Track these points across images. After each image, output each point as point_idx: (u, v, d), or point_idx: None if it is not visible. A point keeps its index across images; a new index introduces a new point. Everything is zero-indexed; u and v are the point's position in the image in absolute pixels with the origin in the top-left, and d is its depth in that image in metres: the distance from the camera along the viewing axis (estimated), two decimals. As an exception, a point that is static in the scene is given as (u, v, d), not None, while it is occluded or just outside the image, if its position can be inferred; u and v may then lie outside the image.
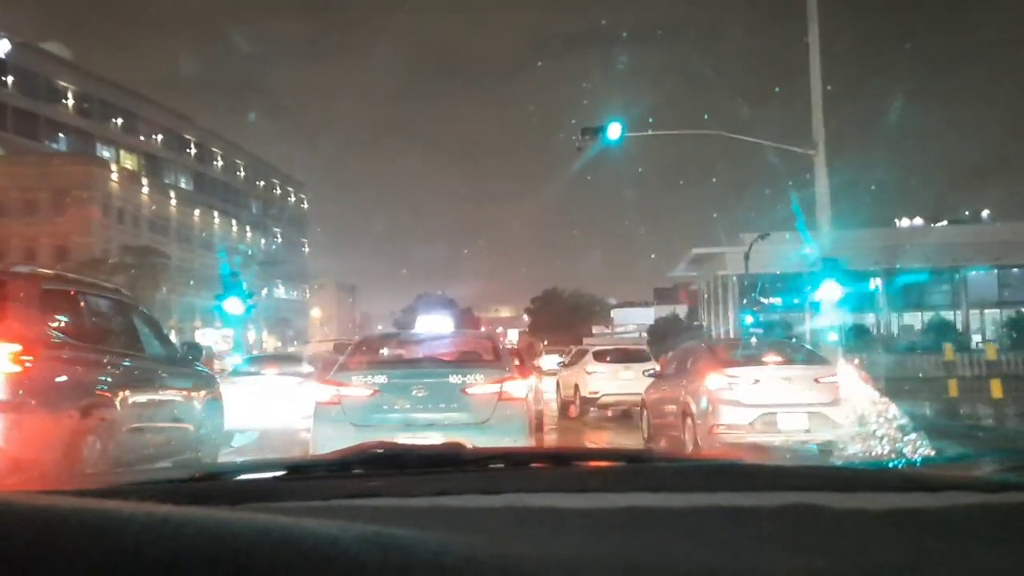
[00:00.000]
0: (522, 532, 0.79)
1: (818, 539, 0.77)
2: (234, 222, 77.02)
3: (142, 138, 65.17)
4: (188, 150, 71.67)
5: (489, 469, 1.22)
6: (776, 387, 9.06)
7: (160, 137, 67.18)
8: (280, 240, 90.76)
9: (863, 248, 30.95)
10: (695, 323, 49.48)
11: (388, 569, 0.57)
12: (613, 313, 66.10)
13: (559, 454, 1.42)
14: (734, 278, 40.22)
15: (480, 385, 6.65)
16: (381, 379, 6.74)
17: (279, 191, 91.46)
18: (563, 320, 63.55)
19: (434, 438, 5.94)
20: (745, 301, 40.17)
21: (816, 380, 9.20)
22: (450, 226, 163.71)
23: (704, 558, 0.71)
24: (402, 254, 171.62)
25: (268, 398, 11.22)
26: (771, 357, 9.76)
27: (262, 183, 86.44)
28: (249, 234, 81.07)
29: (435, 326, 9.48)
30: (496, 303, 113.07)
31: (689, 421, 9.43)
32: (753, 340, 15.08)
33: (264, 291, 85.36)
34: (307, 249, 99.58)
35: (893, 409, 9.05)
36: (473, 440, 4.02)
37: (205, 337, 61.82)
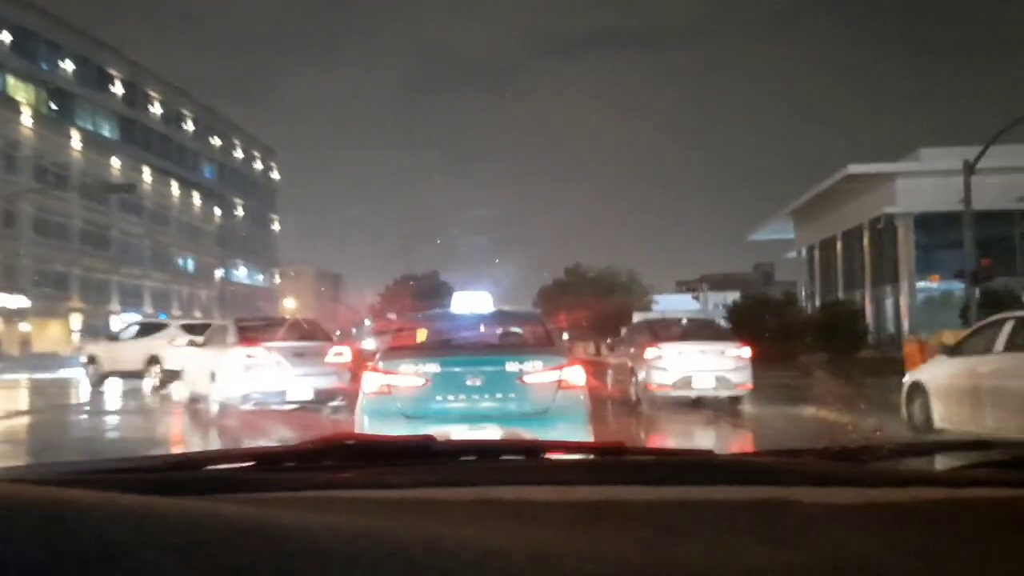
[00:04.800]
0: (493, 525, 0.79)
1: (789, 532, 0.77)
2: (175, 184, 61.61)
3: (44, 66, 49.71)
4: (111, 87, 56.09)
5: (460, 461, 1.20)
6: (693, 358, 12.87)
7: (72, 67, 51.69)
8: (242, 212, 75.47)
9: None
10: (804, 295, 34.44)
11: (357, 561, 0.57)
12: (656, 298, 53.06)
13: (531, 447, 1.32)
14: (910, 220, 24.68)
15: (538, 373, 6.31)
16: (433, 367, 6.30)
17: (241, 154, 76.08)
18: (590, 305, 49.14)
19: (491, 431, 5.96)
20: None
21: (723, 352, 13.02)
22: (441, 219, 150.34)
23: (676, 551, 0.71)
24: (383, 242, 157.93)
25: None
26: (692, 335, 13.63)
27: (218, 141, 71.00)
28: (198, 201, 65.73)
29: (473, 304, 7.82)
30: (500, 290, 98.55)
31: (634, 379, 13.40)
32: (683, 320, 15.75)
33: (219, 272, 71.13)
34: (276, 227, 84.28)
35: None
36: (532, 433, 5.68)
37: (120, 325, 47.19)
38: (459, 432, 5.92)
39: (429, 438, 1.18)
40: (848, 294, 29.34)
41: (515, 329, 7.65)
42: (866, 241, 27.92)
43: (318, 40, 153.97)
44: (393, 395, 6.21)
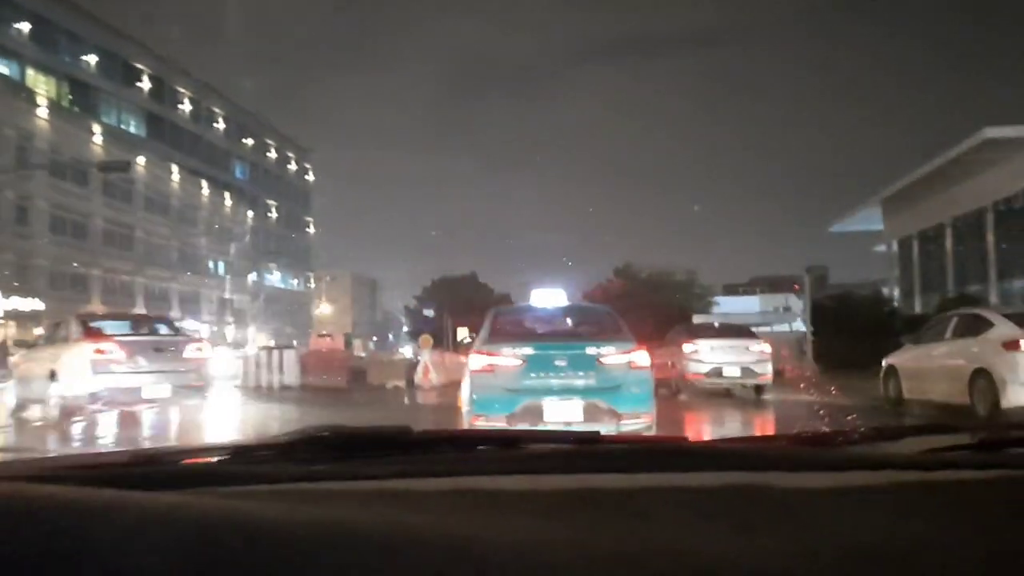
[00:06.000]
0: (469, 514, 0.80)
1: (763, 517, 0.79)
2: (205, 183, 58.94)
3: (67, 58, 47.28)
4: (137, 82, 53.57)
5: (437, 452, 1.22)
6: (723, 352, 15.27)
7: (95, 60, 49.22)
8: (275, 215, 72.73)
9: None
10: (898, 293, 30.32)
11: (334, 552, 0.57)
12: (718, 300, 49.46)
13: (506, 437, 1.34)
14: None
15: (613, 355, 7.36)
16: (528, 350, 7.41)
17: (275, 154, 73.41)
18: (645, 307, 45.10)
19: (575, 402, 7.13)
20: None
21: (748, 348, 15.45)
22: (478, 222, 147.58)
23: (651, 537, 0.72)
24: (417, 246, 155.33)
25: None
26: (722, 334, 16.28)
27: (250, 141, 68.36)
28: (229, 202, 63.04)
29: (550, 299, 9.52)
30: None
31: (674, 371, 15.40)
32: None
33: (252, 276, 68.34)
34: (312, 230, 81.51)
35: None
36: (608, 403, 7.07)
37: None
38: (550, 403, 7.15)
39: (406, 429, 1.20)
40: (960, 290, 25.01)
41: (590, 319, 8.79)
42: (990, 227, 23.61)
43: (354, 46, 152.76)
44: (495, 373, 7.31)
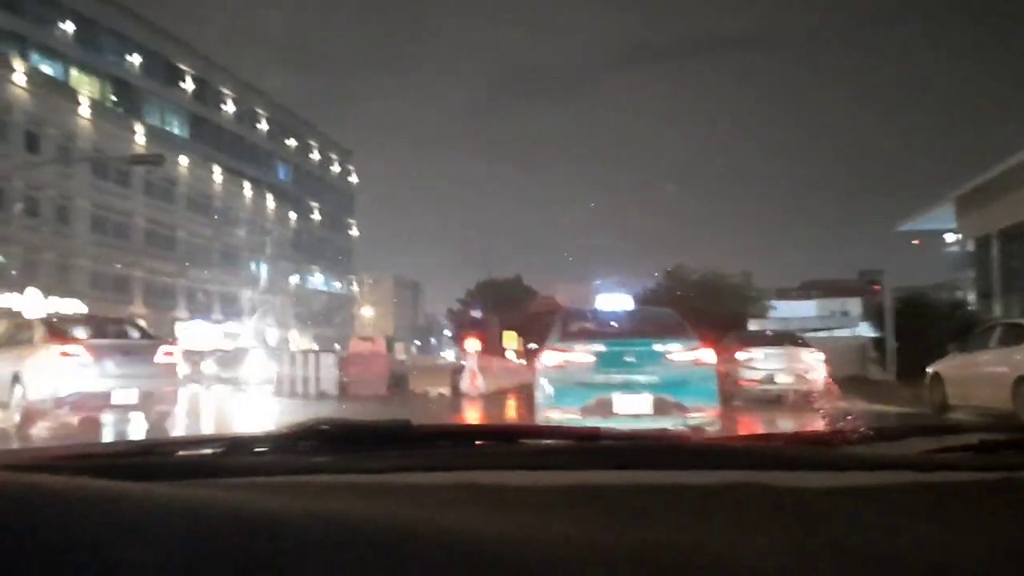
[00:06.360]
0: (469, 509, 0.80)
1: (761, 516, 0.80)
2: (248, 184, 58.50)
3: (111, 58, 47.10)
4: (180, 83, 53.28)
5: (437, 446, 1.22)
6: (775, 359, 15.37)
7: (139, 60, 49.01)
8: (318, 216, 72.21)
9: None
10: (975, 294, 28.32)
11: (332, 545, 0.57)
12: (774, 304, 47.32)
13: (508, 432, 1.37)
14: None
15: (679, 353, 7.69)
16: (599, 347, 7.76)
17: (318, 156, 72.93)
18: (697, 311, 43.02)
19: (645, 396, 7.41)
20: None
21: (800, 356, 15.53)
22: (521, 226, 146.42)
23: (649, 535, 0.73)
24: (458, 249, 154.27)
25: None
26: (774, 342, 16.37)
27: (293, 142, 67.92)
28: (272, 204, 62.58)
29: (616, 302, 11.02)
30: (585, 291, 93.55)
31: (727, 377, 13.70)
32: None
33: (294, 279, 67.83)
34: (355, 232, 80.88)
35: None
36: (675, 398, 7.37)
37: (187, 334, 43.72)
38: (619, 397, 7.43)
39: (406, 423, 1.20)
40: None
41: (655, 320, 9.20)
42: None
43: (396, 50, 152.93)
44: (568, 368, 7.71)
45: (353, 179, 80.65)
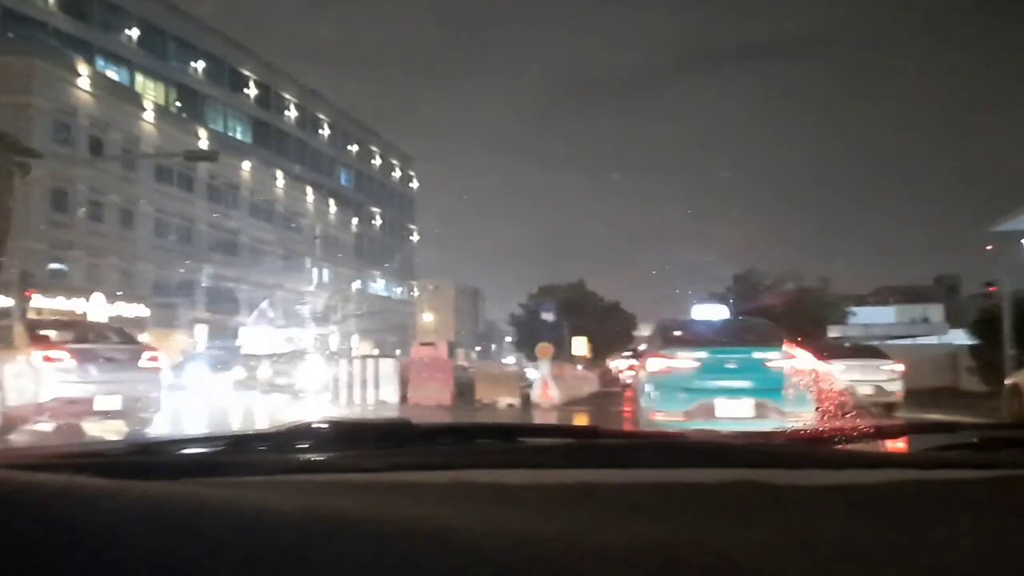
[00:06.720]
0: (468, 508, 0.80)
1: (760, 514, 0.79)
2: (310, 190, 58.21)
3: (175, 64, 47.21)
4: (244, 89, 53.23)
5: (436, 444, 1.23)
6: (855, 371, 15.31)
7: (203, 66, 49.06)
8: (379, 222, 71.75)
9: None
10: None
11: (331, 543, 0.56)
12: (854, 310, 44.80)
13: (507, 430, 1.34)
14: None
15: (777, 360, 8.02)
16: (702, 354, 8.11)
17: (379, 161, 72.55)
18: (772, 317, 40.59)
19: (746, 401, 7.77)
20: None
21: (879, 367, 16.02)
22: (579, 236, 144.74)
23: (648, 532, 0.72)
24: (521, 257, 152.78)
25: None
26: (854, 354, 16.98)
27: (355, 148, 67.60)
28: (333, 209, 62.22)
29: (712, 313, 10.79)
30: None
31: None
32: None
33: (356, 284, 67.43)
34: (416, 238, 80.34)
35: None
36: (774, 402, 7.64)
37: (247, 338, 43.33)
38: (721, 401, 7.78)
39: (405, 422, 1.19)
40: None
41: (751, 329, 9.56)
42: None
43: (459, 57, 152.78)
44: (672, 374, 8.08)
45: (414, 185, 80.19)
